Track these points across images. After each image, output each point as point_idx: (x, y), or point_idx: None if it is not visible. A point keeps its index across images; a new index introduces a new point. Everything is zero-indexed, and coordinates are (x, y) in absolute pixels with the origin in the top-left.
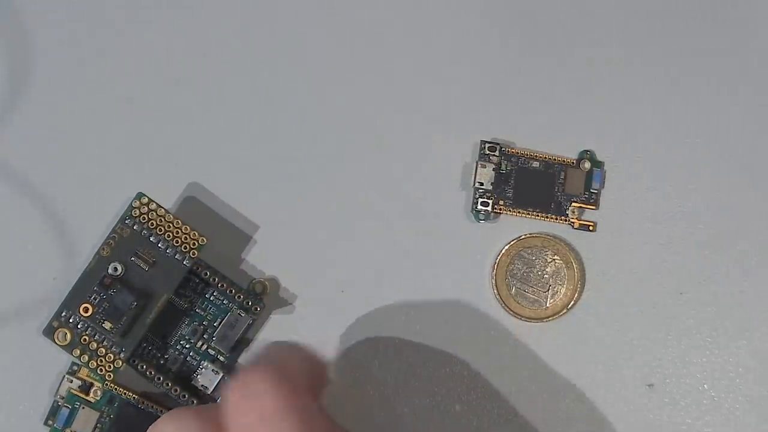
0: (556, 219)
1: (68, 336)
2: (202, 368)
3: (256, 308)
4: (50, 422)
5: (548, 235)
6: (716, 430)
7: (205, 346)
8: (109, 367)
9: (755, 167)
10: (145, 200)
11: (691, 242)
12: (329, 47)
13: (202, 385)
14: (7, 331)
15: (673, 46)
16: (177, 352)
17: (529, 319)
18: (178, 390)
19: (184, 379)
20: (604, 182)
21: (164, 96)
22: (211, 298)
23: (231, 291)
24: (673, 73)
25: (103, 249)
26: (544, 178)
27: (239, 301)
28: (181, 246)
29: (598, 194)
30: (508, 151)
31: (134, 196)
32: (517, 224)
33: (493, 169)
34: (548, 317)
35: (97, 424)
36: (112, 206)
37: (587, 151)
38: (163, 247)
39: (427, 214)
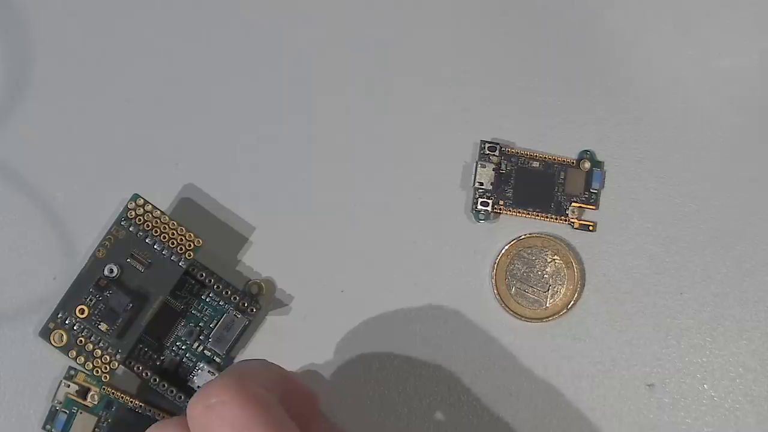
0: (556, 219)
1: (64, 337)
2: (198, 369)
3: (252, 309)
4: (48, 427)
5: (548, 235)
6: (716, 430)
7: (201, 348)
8: (105, 368)
9: (755, 167)
10: (141, 201)
11: (691, 242)
12: (329, 47)
13: (198, 386)
14: (7, 332)
15: (673, 46)
16: (173, 354)
17: (529, 319)
18: (174, 391)
19: (181, 380)
20: (604, 182)
21: (162, 97)
22: (207, 300)
23: (227, 292)
24: (673, 73)
25: (99, 250)
26: (544, 178)
27: (235, 303)
28: (176, 247)
29: (598, 194)
30: (508, 151)
31: (130, 197)
32: (517, 224)
33: (493, 169)
34: (548, 317)
35: (95, 428)
36: (112, 206)
37: (587, 151)
38: (158, 249)
39: (427, 214)
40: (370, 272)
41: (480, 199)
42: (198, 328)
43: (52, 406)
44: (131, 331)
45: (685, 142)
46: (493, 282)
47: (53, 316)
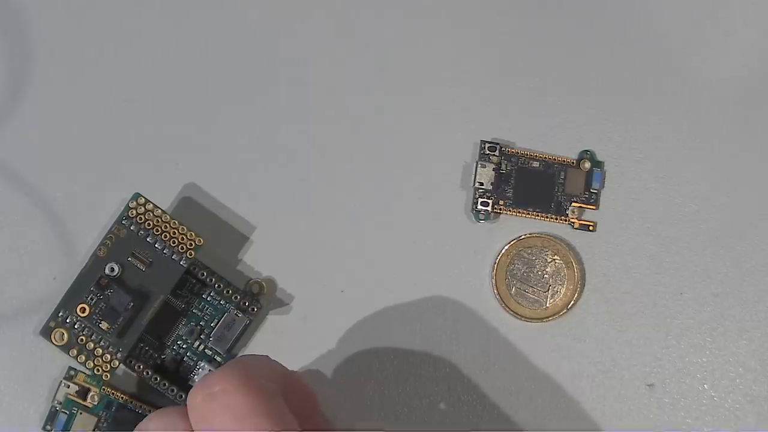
0: (556, 219)
1: (65, 336)
2: (199, 368)
3: (253, 309)
4: (48, 427)
5: (548, 235)
6: (716, 430)
7: (202, 347)
8: (106, 367)
9: (755, 167)
10: (142, 200)
11: (691, 242)
12: (329, 47)
13: None
14: (7, 332)
15: (673, 46)
16: (174, 353)
17: (529, 319)
18: (176, 390)
19: (182, 379)
20: (604, 182)
21: (163, 96)
22: (208, 299)
23: (228, 291)
24: (673, 73)
25: (100, 249)
26: (544, 178)
27: (236, 302)
28: (178, 246)
29: (598, 194)
30: (508, 151)
31: (131, 196)
32: (517, 224)
33: (493, 169)
34: (548, 317)
35: (95, 429)
36: (113, 206)
37: (587, 151)
38: (159, 248)
39: (427, 214)
40: (370, 272)
41: (480, 199)
42: (199, 327)
43: (52, 407)
44: (132, 329)
45: (685, 142)
46: (493, 282)
47: (54, 315)
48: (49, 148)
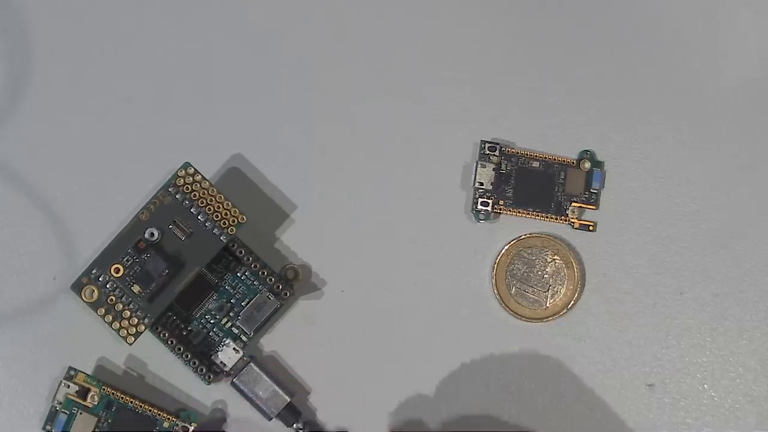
0: (556, 219)
1: (95, 294)
2: (223, 345)
3: (286, 293)
4: (48, 427)
5: (548, 235)
6: (716, 430)
7: (229, 324)
8: (132, 330)
9: (755, 167)
10: (191, 170)
11: (691, 242)
12: (329, 48)
13: (221, 362)
14: (7, 332)
15: (673, 46)
16: (200, 326)
17: (529, 319)
18: (197, 363)
19: (204, 353)
20: (604, 182)
21: (163, 96)
22: (242, 277)
23: (263, 273)
24: (673, 73)
25: (143, 213)
26: (544, 178)
27: (270, 284)
28: (220, 221)
29: (598, 194)
30: (508, 151)
31: (180, 165)
32: (517, 224)
33: (493, 169)
34: (548, 317)
35: (95, 429)
36: (113, 206)
37: (587, 151)
38: (202, 220)
39: (427, 214)
40: (370, 272)
41: (480, 199)
42: (229, 305)
43: (52, 407)
44: (163, 296)
45: (685, 142)
46: (493, 282)
47: (87, 272)
48: (49, 148)
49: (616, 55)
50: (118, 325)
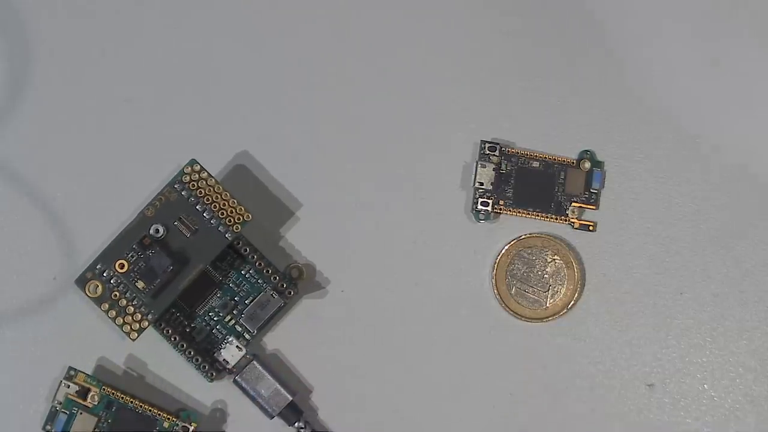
0: (556, 219)
1: (99, 289)
2: (226, 343)
3: (290, 292)
4: (48, 427)
5: (548, 235)
6: (716, 430)
7: (232, 322)
8: (135, 326)
9: (755, 167)
10: (197, 167)
11: (691, 242)
12: (329, 48)
13: (224, 359)
14: (7, 332)
15: (673, 46)
16: (204, 323)
17: (529, 319)
18: (199, 360)
19: (207, 350)
20: (604, 182)
21: (163, 96)
22: (246, 275)
23: (267, 271)
24: (673, 73)
25: (148, 209)
26: (544, 178)
27: (274, 283)
28: (225, 218)
29: (598, 194)
30: (508, 151)
31: (187, 162)
32: (517, 224)
33: (493, 169)
34: (548, 317)
35: (95, 429)
36: (113, 206)
37: (587, 151)
38: (207, 217)
39: (427, 214)
40: (370, 272)
41: (480, 199)
42: (233, 302)
43: (52, 407)
44: (167, 293)
45: (685, 142)
46: (493, 282)
47: (92, 267)
48: (49, 148)
49: (616, 55)
50: (121, 320)
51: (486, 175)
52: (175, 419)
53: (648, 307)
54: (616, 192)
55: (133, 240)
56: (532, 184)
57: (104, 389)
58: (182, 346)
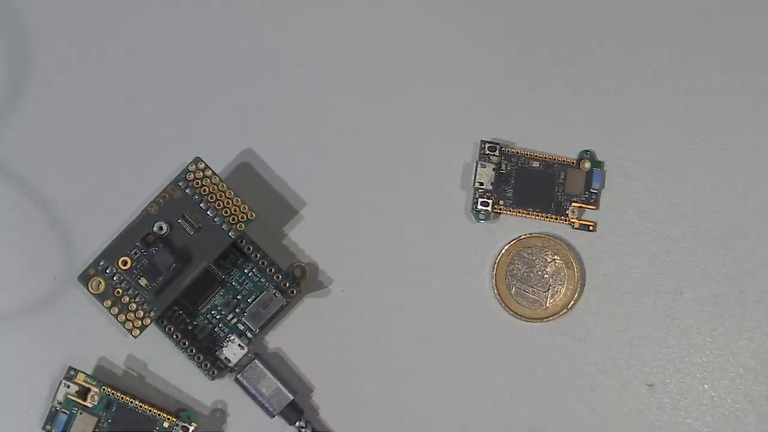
0: (556, 219)
1: (102, 286)
2: (228, 341)
3: (292, 291)
4: (48, 427)
5: (548, 235)
6: (716, 430)
7: (235, 320)
8: (138, 323)
9: (755, 167)
10: (202, 165)
11: (691, 242)
12: (330, 48)
13: (225, 358)
14: (7, 332)
15: (673, 46)
16: (206, 321)
17: (529, 319)
18: (201, 358)
19: (209, 348)
20: (604, 182)
21: (163, 96)
22: (249, 274)
23: (270, 270)
24: (673, 73)
25: (152, 207)
26: (544, 178)
27: (277, 282)
28: (229, 217)
29: (598, 194)
30: (508, 151)
31: (192, 159)
32: (517, 224)
33: (493, 169)
34: (548, 317)
35: (95, 429)
36: (113, 206)
37: (587, 151)
38: (211, 215)
39: (427, 214)
40: (370, 272)
41: (480, 199)
42: (235, 301)
43: (52, 406)
44: (170, 290)
45: (685, 142)
46: (493, 282)
47: (94, 263)
48: (49, 148)
49: (616, 55)
50: (123, 317)
51: (486, 175)
52: (175, 419)
53: (648, 307)
54: (616, 192)
55: (137, 237)
56: (532, 184)
57: (104, 389)
58: (184, 343)
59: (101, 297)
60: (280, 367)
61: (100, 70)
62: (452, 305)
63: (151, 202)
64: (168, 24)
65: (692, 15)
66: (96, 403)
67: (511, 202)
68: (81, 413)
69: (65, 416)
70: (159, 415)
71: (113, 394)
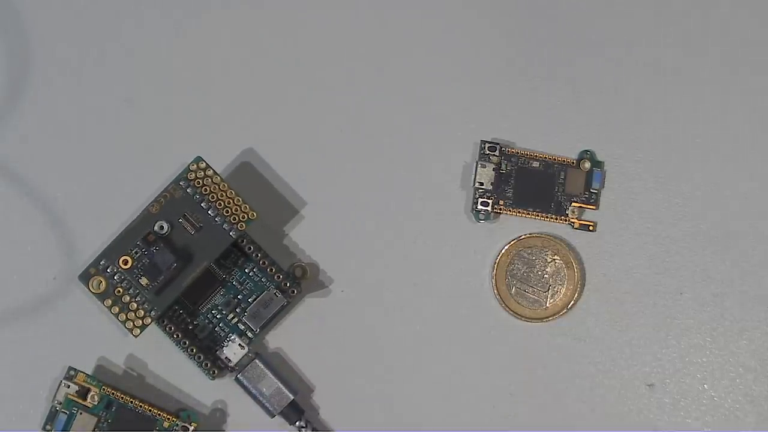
0: (556, 219)
1: (103, 285)
2: (229, 341)
3: (293, 291)
4: (48, 427)
5: (548, 235)
6: (716, 430)
7: (235, 320)
8: (138, 322)
9: (755, 167)
10: (203, 165)
11: (691, 242)
12: (330, 48)
13: (226, 357)
14: (7, 332)
15: (673, 46)
16: (207, 321)
17: (529, 319)
18: (202, 357)
19: (209, 348)
20: (604, 182)
21: (163, 96)
22: (250, 274)
23: (271, 270)
24: (673, 73)
25: (153, 206)
26: (544, 178)
27: (277, 282)
28: (230, 216)
29: (598, 194)
30: (508, 151)
31: (193, 159)
32: (517, 224)
33: (493, 169)
34: (548, 317)
35: (95, 429)
36: (113, 206)
37: (587, 151)
38: (212, 215)
39: (427, 214)
40: (370, 272)
41: (480, 199)
42: (236, 300)
43: (52, 407)
44: (170, 290)
45: (685, 142)
46: (493, 282)
47: (95, 262)
48: (49, 148)
49: (616, 55)
50: (124, 317)
51: (486, 175)
52: (175, 419)
53: (648, 307)
54: (616, 192)
55: (138, 236)
56: (532, 184)
57: (104, 389)
58: (185, 343)
59: (102, 296)
60: (280, 367)
61: (100, 70)
62: (452, 305)
63: (152, 202)
64: (168, 24)
65: (692, 15)
66: (96, 403)
67: (511, 202)
68: (81, 413)
69: (65, 416)
70: (159, 415)
71: (113, 394)
